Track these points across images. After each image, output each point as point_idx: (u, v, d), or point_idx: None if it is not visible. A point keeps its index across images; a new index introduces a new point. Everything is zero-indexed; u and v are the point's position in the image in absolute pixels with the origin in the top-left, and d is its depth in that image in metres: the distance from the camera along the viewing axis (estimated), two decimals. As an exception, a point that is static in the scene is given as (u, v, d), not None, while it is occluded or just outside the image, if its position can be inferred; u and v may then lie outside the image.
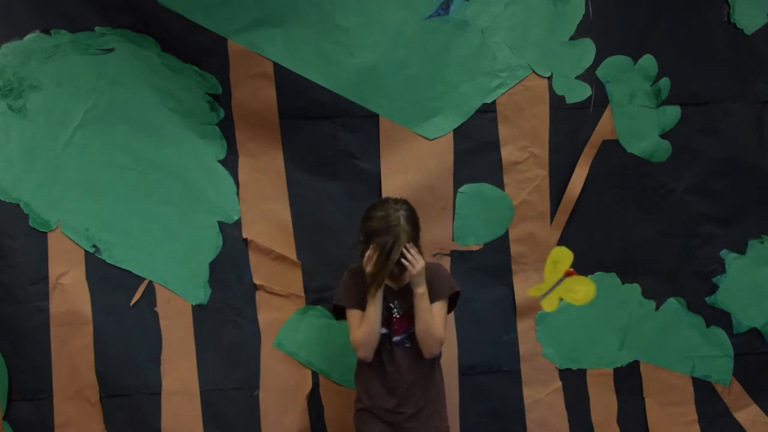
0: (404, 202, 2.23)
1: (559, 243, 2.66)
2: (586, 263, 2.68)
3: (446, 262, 2.59)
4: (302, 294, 2.58)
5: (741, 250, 2.73)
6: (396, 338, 2.24)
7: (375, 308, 2.18)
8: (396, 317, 2.24)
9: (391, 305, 2.24)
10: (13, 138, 2.45)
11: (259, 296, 2.57)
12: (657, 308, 2.71)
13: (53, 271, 2.45)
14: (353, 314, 2.25)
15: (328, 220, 2.58)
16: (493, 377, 2.62)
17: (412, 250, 2.15)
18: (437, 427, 2.26)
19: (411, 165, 2.59)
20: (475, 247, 2.63)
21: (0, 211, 2.42)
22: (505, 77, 2.61)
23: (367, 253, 2.16)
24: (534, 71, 2.62)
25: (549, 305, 2.66)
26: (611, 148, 2.66)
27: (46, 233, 2.46)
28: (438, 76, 2.59)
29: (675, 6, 2.66)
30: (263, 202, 2.59)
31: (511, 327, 2.66)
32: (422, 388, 2.23)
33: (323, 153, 2.59)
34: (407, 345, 2.23)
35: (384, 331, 2.22)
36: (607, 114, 2.66)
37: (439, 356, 2.30)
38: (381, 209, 2.19)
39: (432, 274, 2.25)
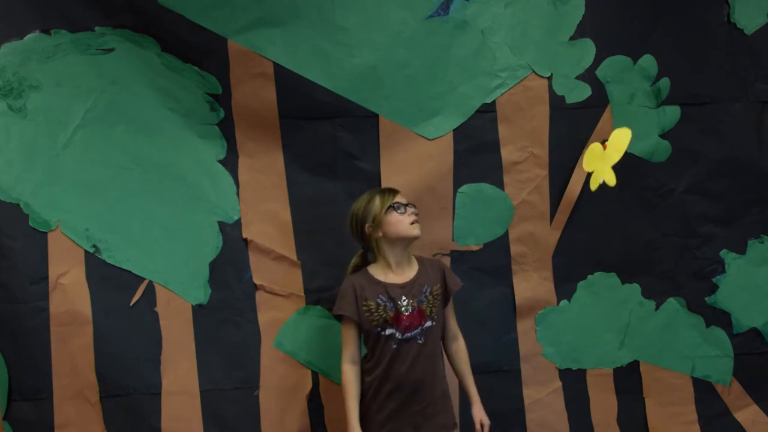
0: None
1: (559, 243, 2.66)
2: (586, 263, 2.69)
3: (446, 262, 2.59)
4: (302, 294, 2.58)
5: (741, 250, 2.73)
6: (408, 335, 2.18)
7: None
8: (405, 315, 2.19)
9: (399, 302, 2.19)
10: (13, 138, 2.44)
11: (259, 296, 2.57)
12: (657, 308, 2.71)
13: (53, 271, 2.45)
14: (348, 330, 2.24)
15: (328, 220, 2.57)
16: (493, 377, 2.61)
17: None
18: (444, 424, 2.23)
19: (411, 165, 2.59)
20: (475, 247, 2.63)
21: (0, 211, 2.42)
22: (505, 77, 2.61)
23: None
24: (534, 71, 2.62)
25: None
26: (611, 148, 2.66)
27: (46, 233, 2.46)
28: (438, 76, 2.59)
29: (675, 6, 2.66)
30: (263, 202, 2.58)
31: (511, 327, 2.66)
32: (429, 384, 2.21)
33: (323, 153, 2.59)
34: (420, 341, 2.19)
35: (390, 331, 2.18)
36: (607, 114, 2.66)
37: (442, 354, 2.30)
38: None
39: (443, 266, 2.32)
